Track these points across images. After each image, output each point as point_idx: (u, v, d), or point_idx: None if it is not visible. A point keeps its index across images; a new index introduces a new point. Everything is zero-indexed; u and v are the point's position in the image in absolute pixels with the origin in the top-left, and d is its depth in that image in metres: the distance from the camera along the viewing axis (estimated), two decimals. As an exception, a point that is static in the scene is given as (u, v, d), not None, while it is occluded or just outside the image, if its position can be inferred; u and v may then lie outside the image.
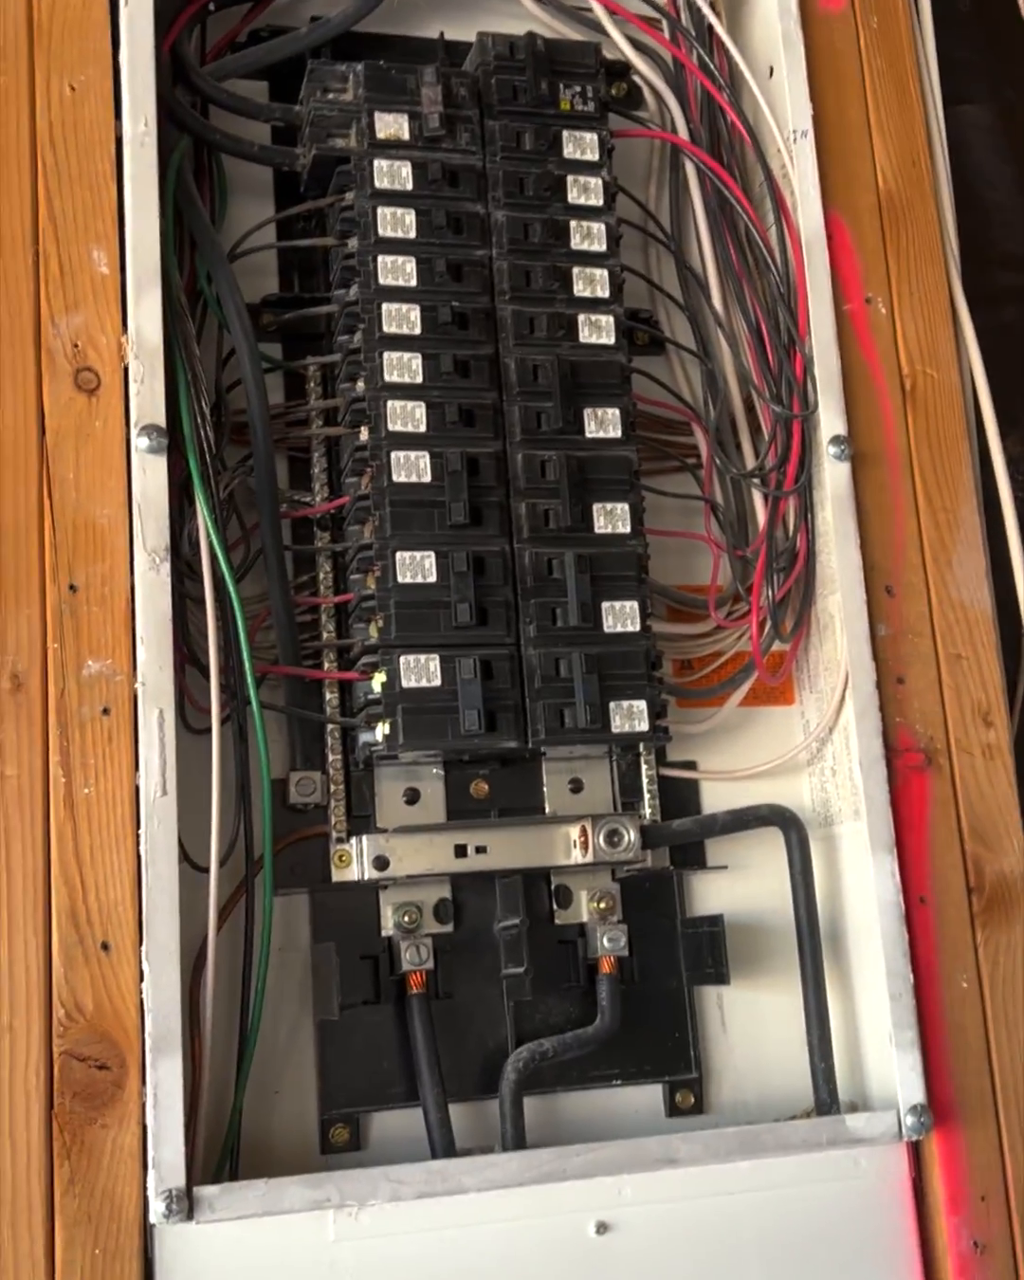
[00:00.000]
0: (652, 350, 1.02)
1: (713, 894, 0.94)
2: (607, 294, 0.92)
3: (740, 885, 0.95)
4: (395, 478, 0.85)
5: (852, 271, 0.99)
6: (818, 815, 0.95)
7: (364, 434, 0.86)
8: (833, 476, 0.93)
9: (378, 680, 0.84)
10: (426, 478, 0.86)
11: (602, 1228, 0.80)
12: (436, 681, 0.84)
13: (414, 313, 0.88)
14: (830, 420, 0.94)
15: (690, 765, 0.96)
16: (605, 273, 0.92)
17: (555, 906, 0.90)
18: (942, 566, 0.95)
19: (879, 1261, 0.84)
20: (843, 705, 0.92)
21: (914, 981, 0.87)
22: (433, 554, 0.85)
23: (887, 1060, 0.86)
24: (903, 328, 0.99)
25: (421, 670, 0.84)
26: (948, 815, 0.92)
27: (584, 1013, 0.89)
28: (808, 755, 0.96)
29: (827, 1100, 0.87)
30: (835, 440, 0.93)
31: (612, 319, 0.92)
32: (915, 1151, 0.86)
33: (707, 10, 1.00)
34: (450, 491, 0.86)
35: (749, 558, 0.95)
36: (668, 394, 1.00)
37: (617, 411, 0.90)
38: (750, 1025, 0.93)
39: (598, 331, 0.91)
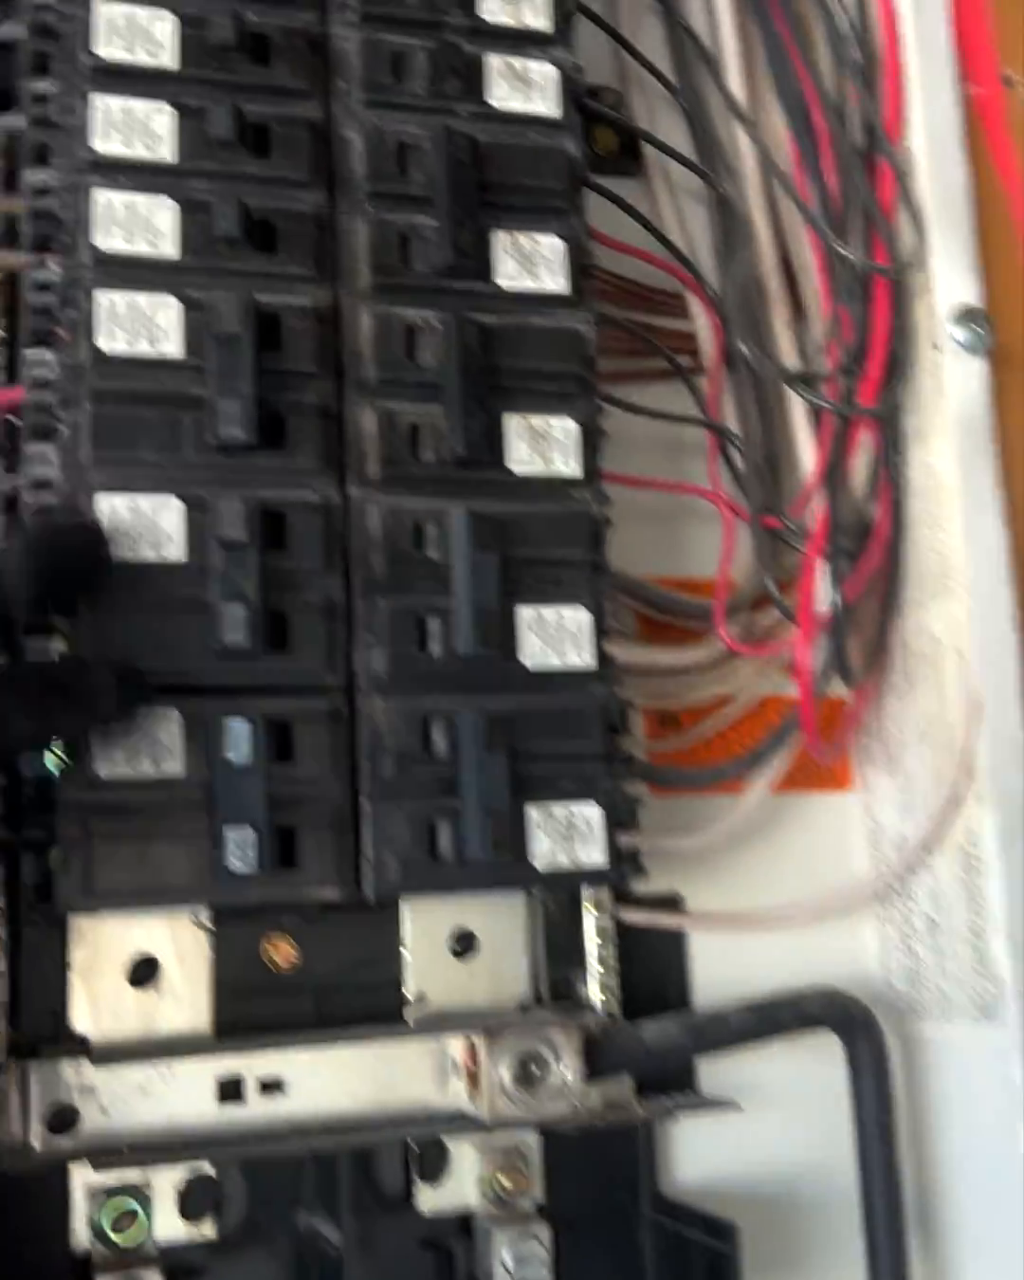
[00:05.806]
0: (618, 168, 0.59)
1: (705, 1148, 0.52)
2: (546, 26, 0.49)
3: (754, 1127, 0.52)
4: (104, 345, 0.42)
5: (978, 30, 0.57)
6: (896, 998, 0.53)
7: (52, 264, 0.43)
8: (956, 384, 0.51)
9: (51, 762, 0.41)
10: (172, 349, 0.43)
11: None
12: (177, 767, 0.41)
13: (162, 25, 0.45)
14: (951, 280, 0.52)
15: (672, 902, 0.53)
16: (543, -13, 0.49)
17: (417, 1181, 0.48)
18: None
19: None
20: (958, 804, 0.50)
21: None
22: (179, 505, 0.42)
23: None
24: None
25: (144, 745, 0.41)
26: None
27: None
28: (881, 888, 0.54)
29: None
30: (962, 317, 0.51)
31: (554, 71, 0.49)
32: None
33: None
34: (218, 379, 0.43)
35: (790, 529, 0.53)
36: (646, 237, 0.56)
37: (558, 242, 0.48)
38: None
39: (528, 91, 0.48)
